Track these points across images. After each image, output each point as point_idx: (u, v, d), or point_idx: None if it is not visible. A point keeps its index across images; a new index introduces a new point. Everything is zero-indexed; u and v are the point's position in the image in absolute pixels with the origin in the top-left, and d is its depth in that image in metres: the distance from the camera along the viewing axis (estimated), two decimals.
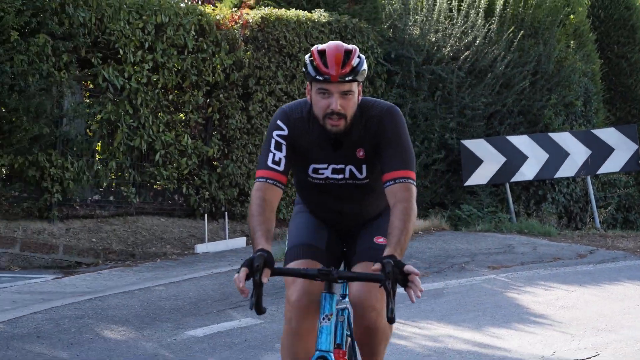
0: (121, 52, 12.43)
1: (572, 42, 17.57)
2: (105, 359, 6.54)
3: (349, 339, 4.51)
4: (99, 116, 12.32)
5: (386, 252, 3.84)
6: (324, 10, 15.18)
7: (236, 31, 13.94)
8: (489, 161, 15.38)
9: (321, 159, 4.39)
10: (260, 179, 4.22)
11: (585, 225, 16.48)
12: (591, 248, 13.18)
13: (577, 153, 15.99)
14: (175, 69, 13.35)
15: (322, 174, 4.42)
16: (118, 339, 7.29)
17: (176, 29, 13.02)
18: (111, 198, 13.07)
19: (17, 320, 7.98)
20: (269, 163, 4.23)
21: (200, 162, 13.56)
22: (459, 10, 16.24)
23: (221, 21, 13.87)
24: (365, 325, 4.32)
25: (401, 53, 15.57)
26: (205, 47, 13.41)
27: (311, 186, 4.54)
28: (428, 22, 16.10)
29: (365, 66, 4.25)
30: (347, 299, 4.43)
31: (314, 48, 4.26)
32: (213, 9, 14.51)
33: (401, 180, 4.12)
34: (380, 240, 4.42)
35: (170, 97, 13.47)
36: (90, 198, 12.80)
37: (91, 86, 13.05)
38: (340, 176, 4.43)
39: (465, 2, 16.24)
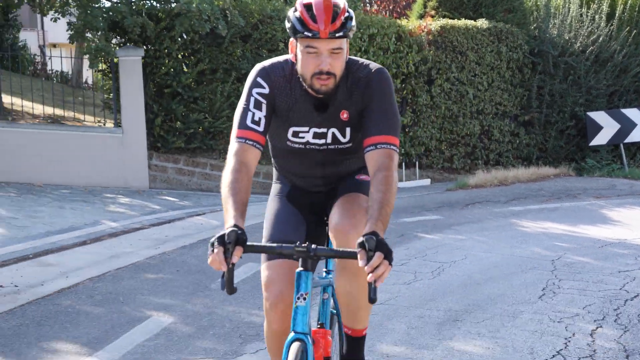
0: None
1: None
2: None
3: (335, 318, 4.19)
4: None
5: (367, 229, 3.28)
6: (485, 19, 18.38)
7: (422, 37, 17.57)
8: (607, 127, 18.14)
9: (302, 122, 3.89)
10: (239, 139, 3.73)
11: None
12: None
13: None
14: (382, 64, 17.20)
15: (303, 137, 3.93)
16: None
17: (382, 37, 16.96)
18: None
19: None
20: (248, 122, 3.75)
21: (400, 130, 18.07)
22: (587, 15, 18.82)
23: (412, 30, 17.57)
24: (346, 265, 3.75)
25: (542, 48, 18.54)
26: (401, 48, 17.25)
27: (289, 152, 4.04)
28: (563, 25, 18.84)
29: (354, 21, 3.73)
30: (331, 275, 4.11)
31: (298, 1, 3.70)
32: (407, 22, 18.26)
33: (383, 146, 3.66)
34: (362, 177, 4.08)
35: None
36: None
37: None
38: (322, 141, 3.95)
39: (592, 8, 18.86)
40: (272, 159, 4.26)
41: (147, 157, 14.61)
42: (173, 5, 14.39)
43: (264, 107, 3.75)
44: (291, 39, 3.72)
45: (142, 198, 13.16)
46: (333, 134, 3.87)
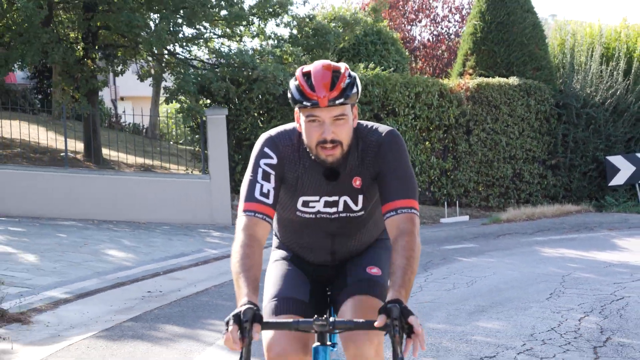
0: (397, 109, 18.80)
1: None
2: None
3: None
4: None
5: (390, 296, 3.08)
6: (516, 77, 20.31)
7: (462, 93, 19.65)
8: (624, 169, 19.96)
9: (312, 191, 3.62)
10: (247, 213, 3.44)
11: None
12: None
13: None
14: (427, 118, 19.27)
15: (313, 207, 3.66)
16: None
17: (427, 94, 19.05)
18: None
19: None
20: (257, 195, 3.45)
21: (440, 172, 19.66)
22: (606, 72, 20.69)
23: (453, 88, 19.65)
24: None
25: (566, 101, 20.49)
26: (443, 104, 19.34)
27: (298, 223, 3.74)
28: (585, 80, 20.71)
29: (358, 86, 3.48)
30: (335, 348, 3.87)
31: (298, 70, 3.50)
32: (448, 80, 20.37)
33: (404, 211, 3.42)
34: (373, 270, 3.74)
35: (424, 134, 19.46)
36: None
37: None
38: (334, 209, 3.67)
39: (610, 65, 20.73)
40: (274, 230, 4.00)
41: (230, 199, 17.00)
42: (251, 72, 16.87)
43: (272, 178, 3.51)
44: (295, 109, 3.53)
45: (229, 232, 15.48)
46: (345, 202, 3.64)
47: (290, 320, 3.16)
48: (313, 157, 3.52)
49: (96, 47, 17.99)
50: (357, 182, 3.58)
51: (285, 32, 18.59)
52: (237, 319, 2.97)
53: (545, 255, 12.82)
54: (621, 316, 8.08)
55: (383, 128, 3.64)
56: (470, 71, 21.23)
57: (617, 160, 20.31)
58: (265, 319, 3.21)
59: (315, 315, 3.14)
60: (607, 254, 12.89)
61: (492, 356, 6.51)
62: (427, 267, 11.48)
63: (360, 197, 3.62)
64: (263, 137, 3.64)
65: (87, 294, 9.22)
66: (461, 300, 9.04)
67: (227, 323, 2.96)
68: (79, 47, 17.68)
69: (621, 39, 21.75)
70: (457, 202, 19.76)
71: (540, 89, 20.61)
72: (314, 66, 3.46)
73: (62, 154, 18.50)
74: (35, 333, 7.44)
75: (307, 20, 17.54)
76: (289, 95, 3.48)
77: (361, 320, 3.13)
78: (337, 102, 3.35)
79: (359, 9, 22.26)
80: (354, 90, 3.42)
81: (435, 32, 29.62)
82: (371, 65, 19.32)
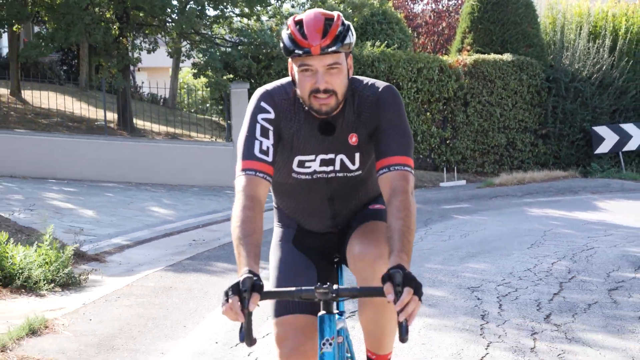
0: (401, 83, 20.19)
1: None
2: None
3: None
4: None
5: (392, 262, 2.86)
6: (510, 53, 21.60)
7: (460, 69, 21.01)
8: (608, 139, 21.29)
9: (308, 149, 3.37)
10: (247, 172, 3.18)
11: None
12: None
13: None
14: (428, 91, 20.69)
15: (309, 167, 3.41)
16: None
17: (428, 70, 20.43)
18: None
19: None
20: (256, 152, 3.20)
21: (440, 140, 21.12)
22: (593, 48, 21.92)
23: (452, 63, 20.99)
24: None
25: (556, 76, 21.78)
26: (443, 78, 20.72)
27: (294, 186, 3.50)
28: (573, 56, 21.99)
29: (352, 35, 3.23)
30: (343, 317, 3.58)
31: (290, 19, 3.24)
32: (447, 56, 21.85)
33: (397, 168, 3.19)
34: (377, 206, 3.63)
35: (425, 106, 20.91)
36: None
37: None
38: (330, 168, 3.43)
39: (597, 43, 21.91)
40: (273, 198, 3.76)
41: None
42: (270, 50, 18.37)
43: (271, 134, 3.27)
44: (289, 60, 3.29)
45: None
46: (341, 160, 3.42)
47: (293, 289, 2.95)
48: (307, 109, 3.30)
49: (129, 27, 19.47)
50: (353, 139, 3.37)
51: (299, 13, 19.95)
52: (236, 289, 2.78)
53: (531, 214, 14.26)
54: (587, 261, 9.51)
55: (380, 83, 3.44)
56: (468, 48, 22.48)
57: (602, 130, 21.62)
58: (274, 319, 3.35)
59: (318, 282, 3.04)
60: (587, 213, 14.26)
61: (476, 287, 8.08)
62: (427, 222, 13.03)
63: (357, 155, 3.42)
64: (259, 91, 3.41)
65: (143, 241, 10.90)
66: (455, 248, 10.57)
67: (227, 294, 2.77)
68: (114, 26, 19.16)
69: (608, 18, 22.87)
70: (455, 167, 21.23)
71: (532, 65, 21.90)
72: (306, 14, 3.24)
73: (97, 123, 20.10)
74: (112, 269, 9.12)
75: (320, 2, 18.98)
76: (281, 45, 3.26)
77: (367, 287, 3.04)
78: (329, 49, 3.14)
79: None
80: (348, 38, 3.20)
81: (436, 10, 30.86)
82: (377, 43, 20.70)
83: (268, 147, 3.22)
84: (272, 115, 3.29)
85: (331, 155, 3.40)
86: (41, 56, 18.62)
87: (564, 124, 22.19)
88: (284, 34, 3.22)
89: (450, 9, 30.68)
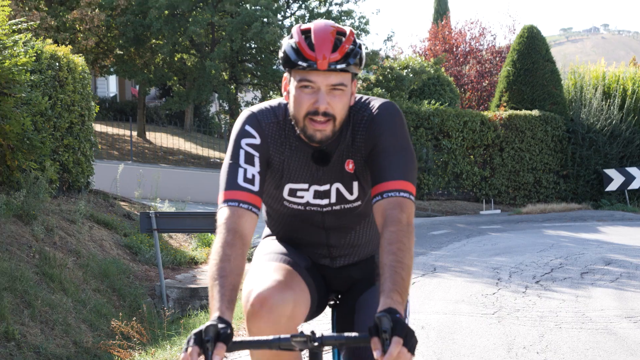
0: (450, 133, 24.12)
1: None
2: None
3: None
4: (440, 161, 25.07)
5: (381, 305, 2.31)
6: (538, 109, 25.06)
7: (497, 121, 24.63)
8: (616, 179, 24.38)
9: (300, 177, 2.87)
10: (230, 203, 2.63)
11: None
12: None
13: None
14: (471, 139, 24.30)
15: (302, 197, 2.91)
16: None
17: (471, 122, 24.01)
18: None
19: None
20: (240, 181, 2.66)
21: (481, 178, 24.69)
22: (605, 106, 25.16)
23: (491, 117, 24.52)
24: None
25: (575, 128, 25.14)
26: (483, 129, 24.29)
27: (287, 215, 2.99)
28: (589, 112, 25.31)
29: (362, 55, 2.73)
30: None
31: (296, 27, 2.74)
32: (487, 112, 25.53)
33: (391, 195, 2.61)
34: None
35: (469, 150, 24.44)
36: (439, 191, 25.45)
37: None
38: (325, 201, 2.92)
39: (608, 102, 25.25)
40: (265, 218, 3.18)
41: None
42: None
43: (256, 160, 2.72)
44: (285, 74, 2.77)
45: None
46: (338, 190, 2.88)
47: (269, 337, 2.29)
48: (299, 134, 2.75)
49: (239, 86, 24.26)
50: (349, 166, 2.83)
51: (372, 77, 24.34)
52: (198, 337, 2.22)
53: (546, 233, 18.14)
54: (575, 259, 13.38)
55: (378, 101, 2.85)
56: (504, 105, 25.99)
57: (611, 172, 24.72)
58: (251, 270, 2.77)
59: (300, 330, 2.29)
60: (589, 234, 17.78)
61: (497, 267, 12.27)
62: (469, 236, 17.27)
63: (355, 184, 2.86)
64: (244, 114, 2.86)
65: None
66: (487, 250, 14.75)
67: (188, 342, 2.22)
68: (232, 87, 23.94)
69: (619, 81, 26.19)
70: (492, 200, 24.82)
71: (555, 119, 25.39)
72: (316, 23, 2.71)
73: (211, 159, 24.78)
74: None
75: (389, 70, 23.42)
76: (281, 55, 2.72)
77: (354, 334, 2.31)
78: (338, 67, 2.61)
79: (423, 57, 27.95)
80: (359, 58, 2.69)
81: (480, 71, 34.88)
82: (432, 101, 24.68)
83: (254, 175, 2.69)
84: (257, 141, 2.76)
85: (326, 187, 2.89)
86: (179, 108, 23.40)
87: (580, 166, 25.56)
88: (287, 42, 2.72)
89: (492, 70, 34.60)
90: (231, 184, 2.69)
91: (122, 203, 14.30)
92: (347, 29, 2.74)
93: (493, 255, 13.87)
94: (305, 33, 2.71)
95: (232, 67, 23.08)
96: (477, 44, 34.96)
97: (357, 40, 2.73)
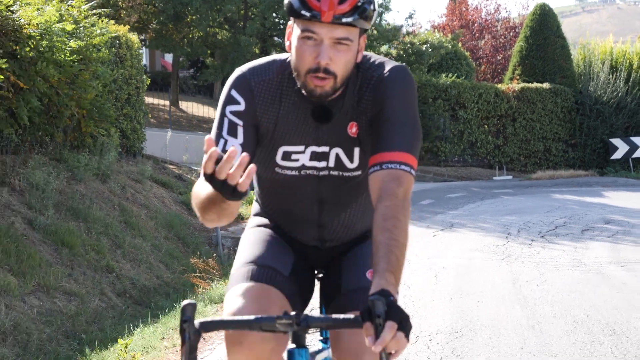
0: (466, 104, 26.01)
1: None
2: None
3: None
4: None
5: (374, 286, 2.03)
6: (548, 82, 26.22)
7: (510, 94, 25.89)
8: (621, 148, 25.55)
9: (296, 138, 2.53)
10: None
11: None
12: None
13: None
14: (486, 110, 25.82)
15: (296, 160, 2.56)
16: None
17: (486, 94, 25.29)
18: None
19: None
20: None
21: (494, 146, 26.12)
22: (612, 79, 26.27)
23: (504, 90, 25.77)
24: None
25: (583, 100, 26.30)
26: (497, 101, 25.60)
27: (278, 183, 2.64)
28: (597, 85, 26.40)
29: (374, 10, 2.39)
30: (327, 345, 2.80)
31: None
32: (500, 85, 27.11)
33: (390, 166, 2.32)
34: None
35: (483, 121, 25.87)
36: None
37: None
38: (322, 164, 2.57)
39: (614, 76, 26.32)
40: (254, 190, 2.87)
41: None
42: None
43: (239, 130, 2.43)
44: (289, 22, 2.45)
45: None
46: (337, 155, 2.55)
47: (246, 318, 2.07)
48: (299, 88, 2.45)
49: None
50: (352, 129, 2.51)
51: (393, 52, 25.59)
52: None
53: (554, 197, 19.30)
54: (579, 219, 14.61)
55: (391, 63, 2.53)
56: (517, 78, 27.24)
57: (616, 141, 25.98)
58: (230, 288, 2.49)
59: (284, 310, 2.06)
60: (593, 198, 18.95)
61: (507, 225, 13.61)
62: (482, 198, 18.59)
63: (357, 151, 2.54)
64: (232, 75, 2.55)
65: None
66: (498, 211, 16.07)
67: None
68: None
69: (626, 56, 27.26)
70: (505, 166, 26.15)
71: (564, 91, 26.59)
72: None
73: None
74: None
75: (409, 45, 24.65)
76: (285, 1, 2.39)
77: (341, 316, 2.05)
78: (344, 19, 2.29)
79: (441, 32, 29.13)
80: (369, 12, 2.35)
81: (494, 45, 36.01)
82: (450, 74, 26.01)
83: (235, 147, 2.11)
84: (241, 107, 2.45)
85: (324, 149, 2.54)
86: (214, 80, 24.73)
87: (587, 136, 26.80)
88: None
89: (506, 45, 35.77)
90: None
91: (171, 166, 15.72)
92: None
93: (504, 215, 15.16)
94: None
95: (263, 41, 24.36)
96: (492, 19, 35.99)
97: None
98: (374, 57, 2.56)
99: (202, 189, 2.25)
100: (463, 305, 7.37)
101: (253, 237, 2.77)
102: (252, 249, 2.68)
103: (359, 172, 2.60)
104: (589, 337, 6.14)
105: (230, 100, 2.49)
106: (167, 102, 28.98)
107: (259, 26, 23.02)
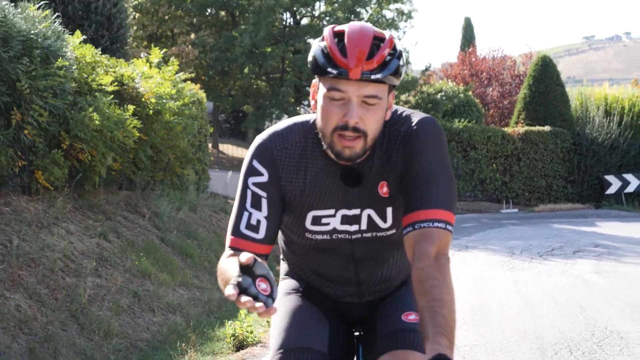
0: (476, 145, 28.91)
1: None
2: None
3: None
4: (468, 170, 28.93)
5: (428, 353, 1.86)
6: (549, 126, 28.10)
7: (515, 136, 27.91)
8: (615, 184, 27.07)
9: (326, 202, 2.36)
10: (232, 251, 2.26)
11: None
12: (633, 214, 25.36)
13: None
14: (494, 150, 28.09)
15: (327, 224, 2.39)
16: None
17: (494, 136, 28.06)
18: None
19: None
20: (243, 228, 2.27)
21: (502, 183, 28.32)
22: (606, 123, 27.97)
23: (510, 133, 27.88)
24: None
25: (580, 141, 28.05)
26: (504, 142, 27.88)
27: (308, 247, 2.49)
28: (592, 127, 28.20)
29: (403, 65, 2.24)
30: None
31: (328, 28, 2.24)
32: (506, 128, 29.47)
33: (424, 225, 2.14)
34: (411, 317, 2.46)
35: (492, 160, 28.05)
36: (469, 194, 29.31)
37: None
38: (354, 227, 2.41)
39: (608, 119, 28.14)
40: (281, 252, 2.73)
41: None
42: None
43: (264, 203, 2.30)
44: (314, 80, 2.31)
45: None
46: (369, 217, 2.39)
47: None
48: (325, 149, 2.29)
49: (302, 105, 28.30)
50: (383, 189, 2.35)
51: (412, 100, 28.17)
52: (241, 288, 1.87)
53: (553, 227, 21.47)
54: (572, 244, 16.75)
55: (418, 115, 2.36)
56: (521, 122, 29.27)
57: (611, 178, 27.42)
58: None
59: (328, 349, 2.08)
60: (587, 228, 20.89)
61: (512, 247, 16.11)
62: (492, 228, 21.05)
63: (389, 210, 2.38)
64: (253, 145, 2.41)
65: None
66: (505, 237, 18.49)
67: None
68: (298, 107, 27.98)
69: (618, 101, 28.99)
70: (511, 201, 28.17)
71: (564, 134, 28.29)
72: (350, 25, 2.22)
73: None
74: None
75: (427, 94, 27.32)
76: (310, 59, 2.24)
77: None
78: (373, 76, 2.15)
79: (453, 81, 31.68)
80: (398, 67, 2.20)
81: (501, 91, 38.51)
82: (462, 119, 28.25)
83: (258, 221, 2.27)
84: (264, 178, 2.31)
85: (356, 211, 2.38)
86: (257, 127, 27.54)
87: (584, 173, 28.34)
88: (317, 45, 2.24)
89: (512, 91, 38.21)
90: (235, 229, 2.29)
91: (231, 201, 18.45)
92: (387, 34, 2.23)
93: (510, 240, 17.62)
94: (339, 36, 2.20)
95: (297, 91, 27.16)
96: (499, 68, 38.53)
97: (398, 47, 2.23)
98: (400, 110, 2.38)
99: (228, 267, 2.12)
100: (477, 295, 10.03)
101: (285, 309, 2.54)
102: (285, 330, 2.44)
103: (393, 231, 2.43)
104: (565, 311, 8.78)
105: (252, 171, 2.32)
106: (210, 145, 31.72)
107: (296, 79, 25.81)
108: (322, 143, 2.30)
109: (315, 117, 2.34)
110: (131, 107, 10.30)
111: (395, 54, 2.20)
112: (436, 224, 2.14)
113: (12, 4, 8.41)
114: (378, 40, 2.20)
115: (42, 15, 8.56)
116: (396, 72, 2.20)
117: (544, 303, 9.30)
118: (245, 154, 2.96)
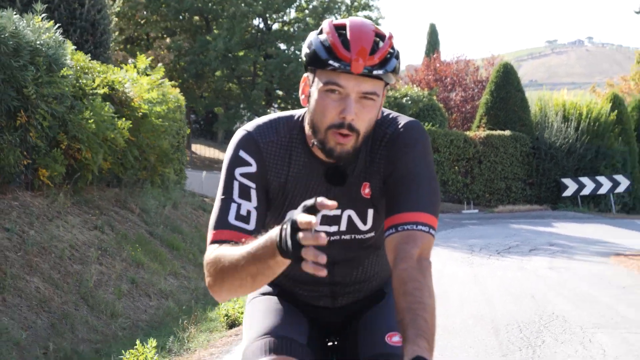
0: (439, 148, 30.12)
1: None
2: None
3: None
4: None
5: (407, 355, 1.81)
6: (509, 130, 28.92)
7: (477, 140, 28.66)
8: (571, 186, 27.81)
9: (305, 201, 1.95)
10: (219, 244, 2.08)
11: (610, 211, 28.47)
12: (588, 215, 26.75)
13: (622, 184, 27.91)
14: (456, 154, 30.40)
15: None
16: None
17: (457, 140, 29.68)
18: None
19: None
20: (231, 219, 2.11)
21: (463, 185, 29.40)
22: (564, 128, 28.83)
23: (472, 137, 28.58)
24: None
25: (539, 145, 28.76)
26: (466, 145, 29.05)
27: None
28: (550, 132, 28.99)
29: (399, 65, 2.18)
30: None
31: (327, 22, 2.17)
32: (469, 132, 31.16)
33: (405, 227, 2.10)
34: (395, 339, 2.37)
35: (454, 162, 29.17)
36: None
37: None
38: (334, 228, 2.35)
39: (566, 124, 28.98)
40: None
41: None
42: None
43: (253, 194, 2.18)
44: (305, 75, 2.24)
45: None
46: (349, 218, 2.34)
47: None
48: (313, 147, 2.24)
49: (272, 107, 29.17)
50: (366, 190, 2.31)
51: None
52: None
53: (511, 227, 22.41)
54: (529, 242, 17.75)
55: (404, 119, 2.33)
56: (483, 126, 29.96)
57: (567, 181, 28.05)
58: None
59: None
60: (544, 228, 21.78)
61: (472, 245, 17.17)
62: (453, 227, 22.09)
63: (370, 212, 2.35)
64: (237, 135, 2.30)
65: None
66: (465, 236, 19.41)
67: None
68: (268, 110, 28.84)
69: (576, 107, 29.83)
70: (472, 202, 28.97)
71: (523, 138, 28.83)
72: (352, 20, 2.17)
73: None
74: None
75: (393, 98, 28.30)
76: (306, 51, 2.17)
77: None
78: (374, 72, 2.11)
79: (418, 86, 32.68)
80: (396, 65, 2.16)
81: (464, 97, 39.65)
82: (426, 123, 29.20)
83: (249, 212, 2.14)
84: (253, 169, 2.21)
85: (336, 211, 2.33)
86: (228, 128, 28.31)
87: (543, 176, 28.96)
88: (316, 38, 2.15)
89: (474, 96, 39.37)
90: (221, 221, 2.12)
91: (206, 199, 19.24)
92: (387, 32, 2.17)
93: (470, 239, 18.59)
94: (339, 29, 2.13)
95: (268, 94, 28.00)
96: (462, 73, 39.66)
97: (396, 47, 2.17)
98: (386, 112, 2.34)
99: (231, 251, 1.97)
100: (439, 287, 10.98)
101: (261, 306, 2.47)
102: (264, 320, 2.38)
103: (372, 234, 2.38)
104: (518, 299, 9.77)
105: (239, 161, 2.21)
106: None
107: (267, 82, 26.66)
108: (309, 139, 2.24)
109: (300, 113, 2.32)
110: (119, 108, 11.08)
111: (394, 54, 2.17)
112: (420, 227, 2.10)
113: (17, 15, 9.16)
114: (378, 37, 2.17)
115: (46, 26, 9.33)
116: (394, 70, 2.16)
117: (499, 293, 10.26)
118: (217, 154, 2.75)
